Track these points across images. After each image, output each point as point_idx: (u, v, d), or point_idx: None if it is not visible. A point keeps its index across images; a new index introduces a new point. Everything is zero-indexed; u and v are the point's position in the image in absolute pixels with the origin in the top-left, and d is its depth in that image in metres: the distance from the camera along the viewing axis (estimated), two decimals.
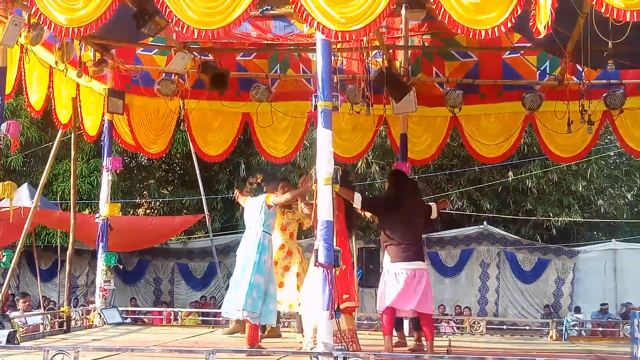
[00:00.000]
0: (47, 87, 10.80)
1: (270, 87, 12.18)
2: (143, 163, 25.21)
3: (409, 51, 11.70)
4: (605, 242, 23.27)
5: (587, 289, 21.47)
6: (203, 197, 19.11)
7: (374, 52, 11.20)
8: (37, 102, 10.73)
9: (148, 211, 25.86)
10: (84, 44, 10.71)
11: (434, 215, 9.16)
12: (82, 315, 11.29)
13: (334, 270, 7.02)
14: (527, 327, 14.43)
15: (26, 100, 10.75)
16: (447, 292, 21.90)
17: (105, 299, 11.62)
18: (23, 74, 10.10)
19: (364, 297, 19.46)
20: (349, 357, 6.40)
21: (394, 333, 8.94)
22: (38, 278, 18.13)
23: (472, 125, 12.55)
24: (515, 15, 6.71)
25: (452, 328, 14.30)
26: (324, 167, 7.10)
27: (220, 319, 13.70)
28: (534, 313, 21.33)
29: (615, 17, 6.46)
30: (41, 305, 17.92)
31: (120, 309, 12.05)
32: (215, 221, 22.04)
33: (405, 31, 11.25)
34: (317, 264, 7.03)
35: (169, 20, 7.56)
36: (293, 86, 12.50)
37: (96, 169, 20.83)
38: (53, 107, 11.19)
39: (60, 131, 11.99)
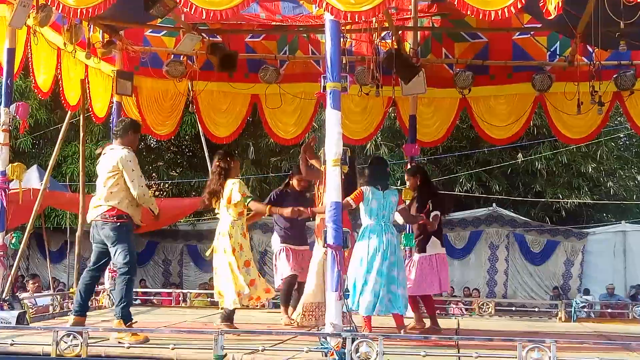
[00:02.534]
0: (55, 68, 10.77)
1: (279, 69, 12.16)
2: (152, 145, 25.24)
3: (419, 32, 11.65)
4: (614, 223, 23.28)
5: (596, 270, 21.48)
6: None
7: (383, 33, 11.13)
8: (44, 84, 10.70)
9: (157, 193, 25.88)
10: (92, 26, 10.67)
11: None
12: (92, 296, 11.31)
13: (342, 251, 7.02)
14: (536, 309, 14.45)
15: (34, 81, 10.74)
16: (456, 274, 21.92)
17: (114, 280, 11.61)
18: (30, 55, 10.08)
19: None
20: (357, 338, 6.40)
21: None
22: (47, 259, 18.20)
23: (482, 106, 12.50)
24: None
25: (461, 310, 14.30)
26: (332, 148, 7.08)
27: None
28: (542, 295, 21.36)
29: None
30: (51, 286, 18.02)
31: None
32: None
33: (414, 12, 11.21)
34: (325, 245, 7.03)
35: (178, 1, 7.53)
36: (302, 68, 12.47)
37: None
38: (61, 89, 11.17)
39: (69, 113, 11.98)
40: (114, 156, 7.75)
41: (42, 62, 10.51)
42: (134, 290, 12.16)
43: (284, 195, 9.75)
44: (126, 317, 7.63)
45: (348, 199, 8.39)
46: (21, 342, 7.04)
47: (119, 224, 7.73)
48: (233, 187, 8.42)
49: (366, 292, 8.20)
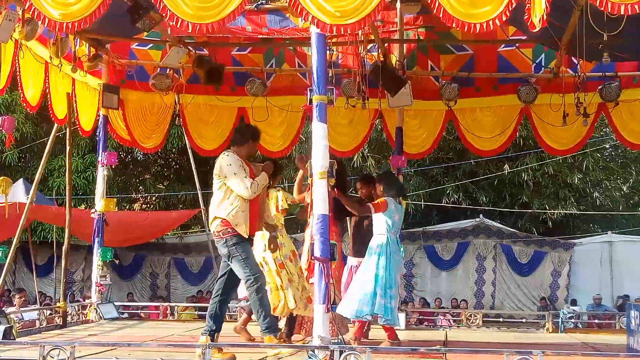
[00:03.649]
0: (42, 82, 10.75)
1: (266, 82, 12.20)
2: (139, 158, 25.21)
3: (404, 45, 11.69)
4: (601, 234, 23.29)
5: (583, 281, 21.50)
6: (199, 192, 19.11)
7: (370, 45, 11.18)
8: (32, 98, 10.68)
9: (144, 206, 25.91)
10: (78, 39, 10.66)
11: None
12: (79, 310, 11.28)
13: (329, 264, 7.03)
14: (524, 320, 14.44)
15: (21, 95, 10.71)
16: (444, 285, 21.96)
17: (101, 294, 11.59)
18: (17, 69, 10.06)
19: None
20: (345, 351, 6.39)
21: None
22: (34, 273, 18.14)
23: (468, 118, 12.56)
24: (510, 9, 6.67)
25: (449, 321, 14.29)
26: (319, 161, 7.09)
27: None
28: (530, 305, 21.36)
29: (609, 11, 6.45)
30: (37, 300, 17.92)
31: (116, 303, 12.03)
32: None
33: (400, 25, 11.23)
34: (312, 258, 7.03)
35: (164, 15, 7.53)
36: (288, 80, 12.50)
37: (92, 164, 20.83)
38: (49, 103, 11.15)
39: (55, 126, 11.96)
40: (217, 163, 7.67)
41: (30, 76, 10.49)
42: (121, 303, 12.18)
43: None
44: (272, 329, 7.47)
45: (369, 205, 8.44)
46: (7, 357, 7.00)
47: (225, 239, 7.55)
48: (278, 195, 8.56)
49: (386, 301, 8.29)
